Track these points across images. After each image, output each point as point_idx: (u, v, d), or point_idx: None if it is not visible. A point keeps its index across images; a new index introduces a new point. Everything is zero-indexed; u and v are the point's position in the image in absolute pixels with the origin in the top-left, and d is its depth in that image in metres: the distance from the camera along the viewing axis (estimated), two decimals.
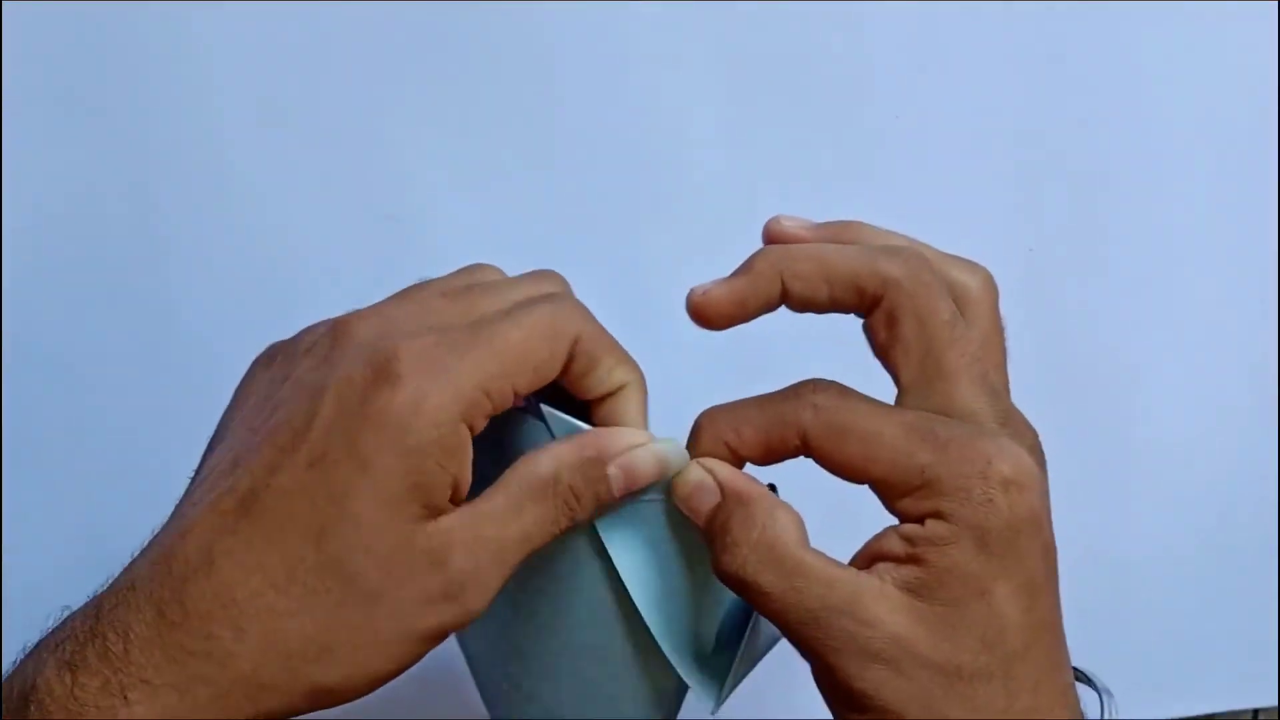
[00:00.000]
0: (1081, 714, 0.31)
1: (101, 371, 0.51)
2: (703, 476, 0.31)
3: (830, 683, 0.29)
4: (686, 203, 0.53)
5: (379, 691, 0.29)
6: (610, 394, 0.32)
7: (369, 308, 0.32)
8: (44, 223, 0.49)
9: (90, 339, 0.50)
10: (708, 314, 0.32)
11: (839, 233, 0.34)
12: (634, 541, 0.32)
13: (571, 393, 0.32)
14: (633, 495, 0.31)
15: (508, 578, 0.30)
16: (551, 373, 0.30)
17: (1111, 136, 0.55)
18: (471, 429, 0.29)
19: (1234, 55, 0.55)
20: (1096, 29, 0.54)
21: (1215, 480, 0.60)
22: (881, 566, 0.29)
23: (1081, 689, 0.32)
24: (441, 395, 0.28)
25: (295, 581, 0.27)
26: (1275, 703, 0.63)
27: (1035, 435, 0.32)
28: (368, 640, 0.28)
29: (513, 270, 0.34)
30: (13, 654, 0.29)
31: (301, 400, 0.29)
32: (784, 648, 0.33)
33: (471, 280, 0.33)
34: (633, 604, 0.32)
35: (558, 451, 0.30)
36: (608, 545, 0.32)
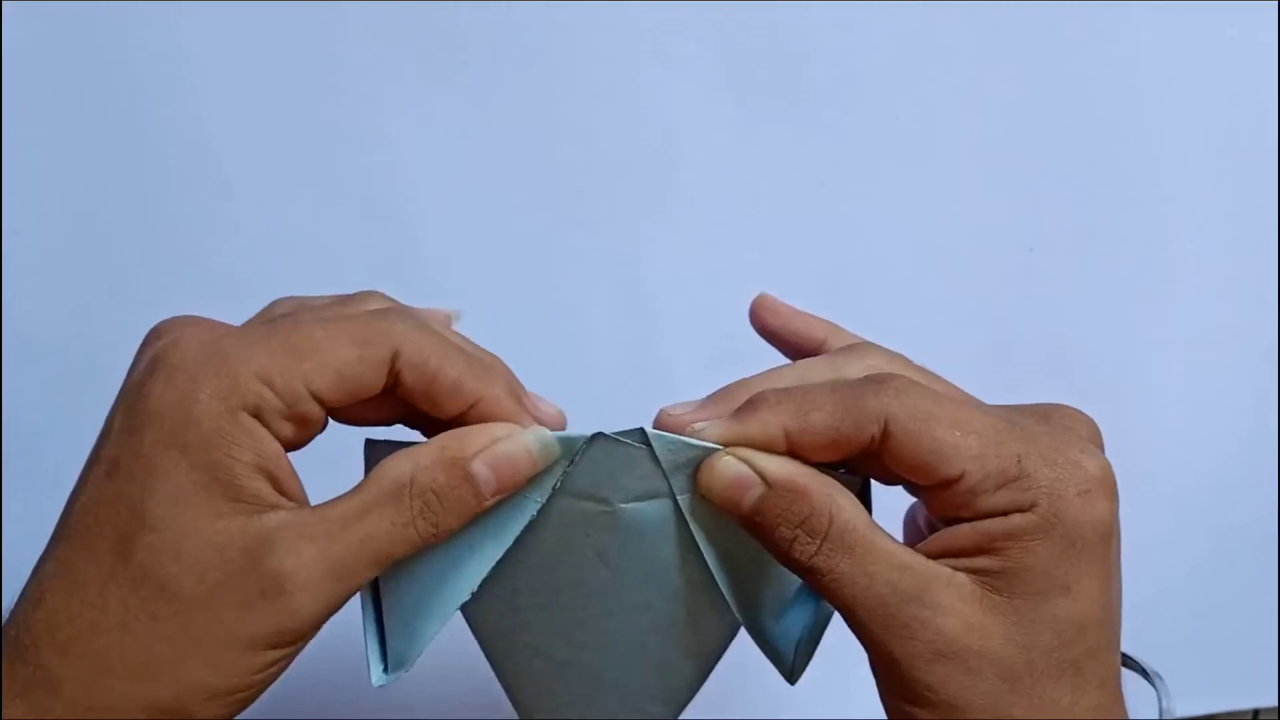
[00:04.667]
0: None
1: (102, 371, 0.51)
2: (740, 469, 0.28)
3: (892, 676, 0.28)
4: (686, 203, 0.53)
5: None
6: (465, 411, 0.29)
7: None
8: (44, 223, 0.49)
9: (90, 339, 0.50)
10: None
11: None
12: (714, 515, 0.30)
13: (433, 415, 0.30)
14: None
15: (351, 584, 0.28)
16: (366, 382, 0.28)
17: (1111, 136, 0.55)
18: (263, 421, 0.27)
19: (1234, 55, 0.55)
20: (1096, 29, 0.54)
21: (1215, 480, 0.60)
22: (952, 559, 0.28)
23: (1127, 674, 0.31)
24: (214, 382, 0.27)
25: (110, 597, 0.26)
26: (1275, 703, 0.63)
27: None
28: (189, 652, 0.26)
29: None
30: None
31: (109, 412, 0.28)
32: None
33: (327, 298, 0.32)
34: (700, 569, 0.31)
35: (416, 452, 0.28)
36: (688, 516, 0.30)
